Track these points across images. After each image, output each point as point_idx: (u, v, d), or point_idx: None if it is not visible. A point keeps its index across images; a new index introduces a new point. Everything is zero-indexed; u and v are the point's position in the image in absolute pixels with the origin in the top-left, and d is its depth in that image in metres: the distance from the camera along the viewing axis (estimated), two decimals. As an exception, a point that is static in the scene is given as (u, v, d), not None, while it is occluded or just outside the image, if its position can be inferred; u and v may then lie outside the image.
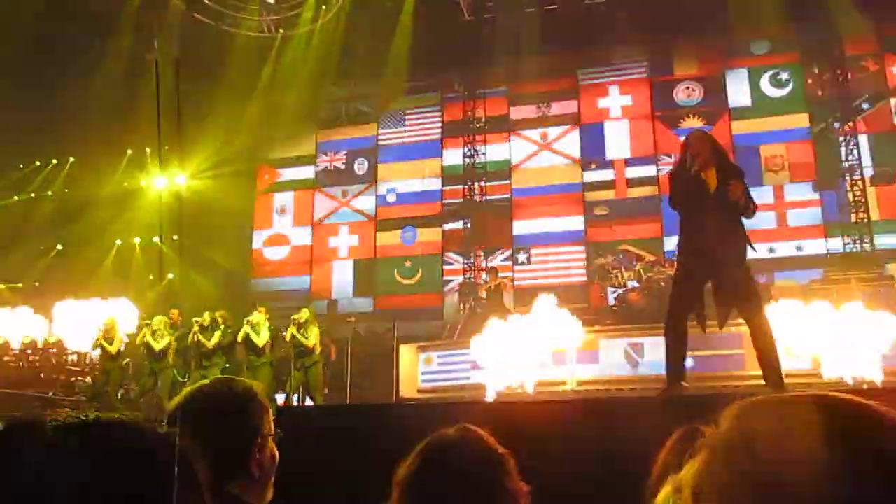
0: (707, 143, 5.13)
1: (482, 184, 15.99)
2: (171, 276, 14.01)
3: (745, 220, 5.03)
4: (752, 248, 5.07)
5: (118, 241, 16.13)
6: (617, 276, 12.90)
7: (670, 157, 15.01)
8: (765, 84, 15.33)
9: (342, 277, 17.07)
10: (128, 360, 12.04)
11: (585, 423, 3.79)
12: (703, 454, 0.72)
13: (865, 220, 13.37)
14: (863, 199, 13.35)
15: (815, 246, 14.15)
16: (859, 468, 0.61)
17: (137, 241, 16.49)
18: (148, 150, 15.19)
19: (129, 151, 15.88)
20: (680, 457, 1.81)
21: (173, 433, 1.07)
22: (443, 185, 16.81)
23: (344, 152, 17.80)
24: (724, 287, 5.01)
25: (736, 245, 4.98)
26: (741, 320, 5.25)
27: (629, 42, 14.93)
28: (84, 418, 1.05)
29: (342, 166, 17.79)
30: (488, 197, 16.06)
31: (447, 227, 16.41)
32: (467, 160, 15.95)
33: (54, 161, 16.27)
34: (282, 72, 16.13)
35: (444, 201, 16.67)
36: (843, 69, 14.12)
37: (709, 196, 4.93)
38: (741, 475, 0.64)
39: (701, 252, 4.96)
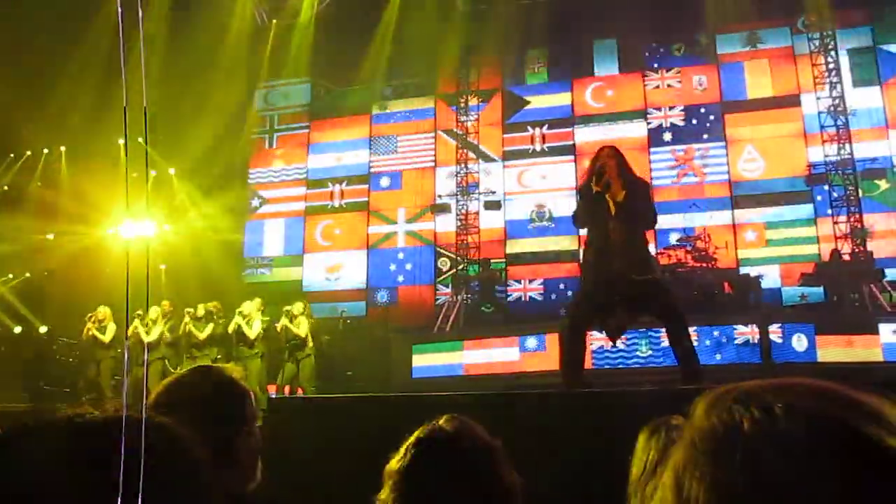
0: (614, 157, 5.23)
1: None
2: (163, 266, 13.93)
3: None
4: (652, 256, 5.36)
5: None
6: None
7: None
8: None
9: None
10: (119, 349, 12.02)
11: (577, 414, 3.81)
12: (683, 449, 0.71)
13: None
14: None
15: None
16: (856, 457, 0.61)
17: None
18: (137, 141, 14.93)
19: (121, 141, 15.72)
20: (664, 452, 1.82)
21: (165, 422, 1.07)
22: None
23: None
24: (630, 297, 5.15)
25: (638, 255, 5.16)
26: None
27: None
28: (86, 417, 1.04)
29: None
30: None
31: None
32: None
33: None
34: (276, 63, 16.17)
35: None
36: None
37: (611, 210, 5.05)
38: (731, 469, 0.64)
39: (604, 265, 5.09)
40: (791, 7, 14.31)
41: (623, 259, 5.00)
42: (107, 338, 11.21)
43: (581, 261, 5.57)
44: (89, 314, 11.48)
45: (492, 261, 15.00)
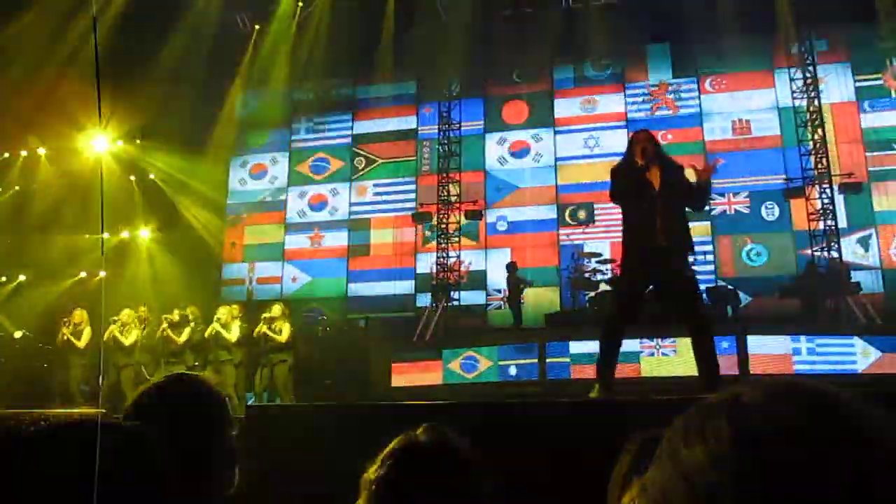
0: (652, 140, 5.21)
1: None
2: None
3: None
4: (692, 247, 5.18)
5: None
6: (590, 279, 13.00)
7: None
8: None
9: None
10: (94, 355, 11.83)
11: (556, 424, 3.80)
12: (664, 463, 0.70)
13: None
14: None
15: None
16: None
17: (106, 235, 16.25)
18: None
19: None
20: (641, 464, 1.82)
21: (139, 428, 1.05)
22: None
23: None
24: (671, 288, 5.10)
25: (682, 244, 5.08)
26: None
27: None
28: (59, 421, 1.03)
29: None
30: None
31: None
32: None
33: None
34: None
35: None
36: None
37: (653, 194, 4.99)
38: (713, 482, 0.63)
39: (646, 253, 5.00)
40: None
41: (667, 242, 4.92)
42: (82, 343, 11.03)
43: (623, 241, 5.32)
44: (64, 318, 11.28)
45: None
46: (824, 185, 13.69)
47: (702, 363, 4.95)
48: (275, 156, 17.63)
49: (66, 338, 11.03)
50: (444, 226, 15.41)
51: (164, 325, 11.07)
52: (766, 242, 14.45)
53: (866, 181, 14.05)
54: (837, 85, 14.83)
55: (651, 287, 5.21)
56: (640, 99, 15.87)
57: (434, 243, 15.42)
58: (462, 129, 16.18)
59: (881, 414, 0.65)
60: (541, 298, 14.74)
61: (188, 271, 15.61)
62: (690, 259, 5.24)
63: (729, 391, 0.70)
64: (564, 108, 16.16)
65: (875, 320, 12.04)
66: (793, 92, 14.46)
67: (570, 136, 16.00)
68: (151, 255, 16.03)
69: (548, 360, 11.28)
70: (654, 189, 4.99)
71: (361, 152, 17.15)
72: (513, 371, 11.56)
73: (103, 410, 10.29)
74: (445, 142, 15.91)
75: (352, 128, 17.35)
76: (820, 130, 13.95)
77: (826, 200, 13.63)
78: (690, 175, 5.18)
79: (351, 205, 16.93)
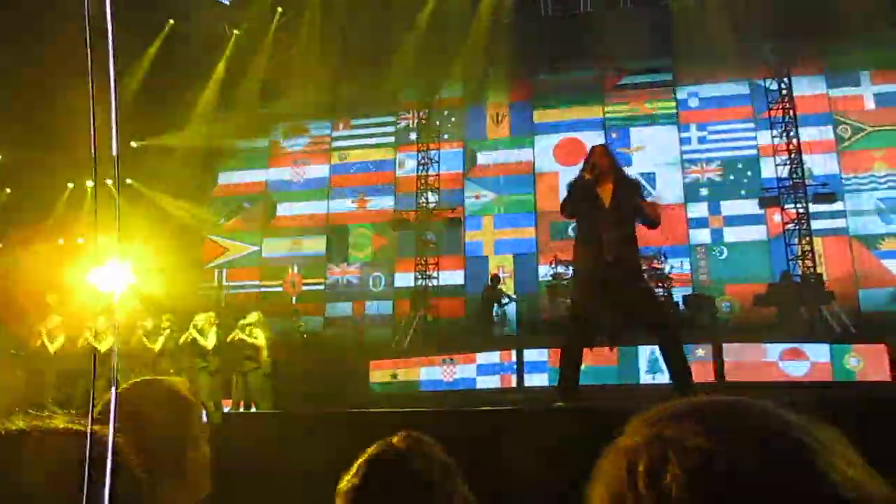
0: (607, 155, 5.24)
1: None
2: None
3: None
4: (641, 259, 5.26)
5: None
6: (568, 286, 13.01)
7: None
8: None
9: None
10: (70, 361, 11.66)
11: (530, 431, 3.80)
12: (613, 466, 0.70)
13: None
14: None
15: None
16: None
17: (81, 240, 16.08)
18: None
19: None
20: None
21: (106, 434, 1.03)
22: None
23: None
24: (624, 305, 5.13)
25: (632, 261, 5.12)
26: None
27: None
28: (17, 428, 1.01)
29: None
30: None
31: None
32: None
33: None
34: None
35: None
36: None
37: (604, 210, 5.02)
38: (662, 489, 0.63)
39: (597, 271, 5.01)
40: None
41: (615, 257, 4.92)
42: (54, 348, 10.88)
43: (574, 258, 5.38)
44: (41, 323, 11.15)
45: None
46: (799, 195, 13.88)
47: (673, 373, 4.96)
48: (256, 161, 17.58)
49: (40, 342, 10.89)
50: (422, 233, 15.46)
51: (140, 332, 10.95)
52: (742, 251, 14.60)
53: (840, 191, 14.25)
54: (812, 95, 15.05)
55: (608, 305, 5.20)
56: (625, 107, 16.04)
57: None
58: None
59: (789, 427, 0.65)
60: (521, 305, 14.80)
61: (167, 278, 15.47)
62: (666, 267, 5.29)
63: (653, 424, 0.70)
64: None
65: (849, 329, 12.20)
66: (768, 103, 14.65)
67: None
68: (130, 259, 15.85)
69: (526, 368, 11.31)
70: (605, 204, 5.04)
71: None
72: (490, 379, 11.57)
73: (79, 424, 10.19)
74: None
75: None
76: (795, 141, 14.14)
77: (801, 210, 13.81)
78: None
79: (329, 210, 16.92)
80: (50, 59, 12.25)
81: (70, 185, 15.70)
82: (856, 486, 0.60)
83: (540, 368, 11.24)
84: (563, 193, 5.35)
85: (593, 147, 5.42)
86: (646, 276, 5.36)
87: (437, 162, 15.99)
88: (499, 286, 13.75)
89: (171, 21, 14.97)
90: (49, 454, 0.98)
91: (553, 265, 13.51)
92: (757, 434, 0.63)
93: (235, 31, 15.97)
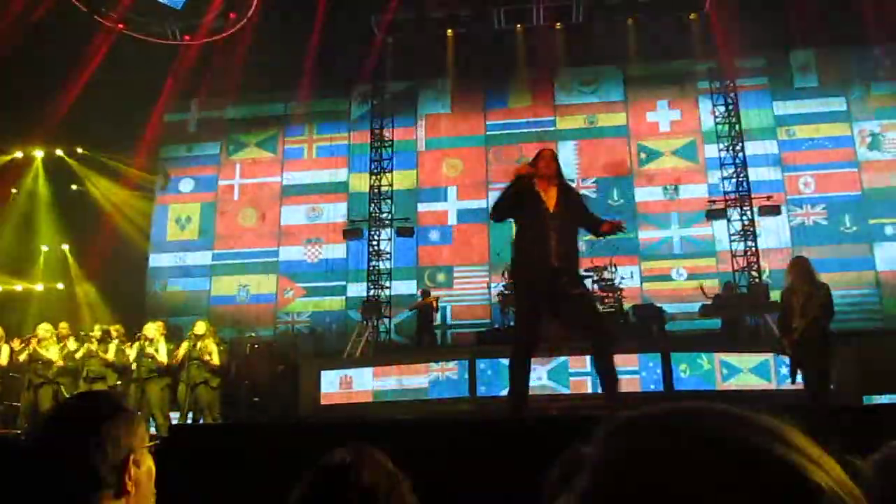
0: (555, 161, 5.22)
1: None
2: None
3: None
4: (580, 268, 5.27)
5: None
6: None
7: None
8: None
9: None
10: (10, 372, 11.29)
11: (481, 442, 3.81)
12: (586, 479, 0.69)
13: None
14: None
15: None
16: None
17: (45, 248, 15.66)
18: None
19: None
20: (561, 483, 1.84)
21: (42, 447, 1.02)
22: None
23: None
24: (565, 308, 5.04)
25: (572, 265, 5.08)
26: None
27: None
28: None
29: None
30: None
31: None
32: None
33: None
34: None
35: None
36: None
37: (548, 215, 4.99)
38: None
39: (537, 273, 4.96)
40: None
41: (559, 263, 4.89)
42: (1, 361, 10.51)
43: (514, 258, 5.31)
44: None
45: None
46: (745, 208, 14.22)
47: (602, 380, 4.98)
48: (203, 169, 17.33)
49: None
50: (374, 243, 15.40)
51: (88, 343, 10.64)
52: (689, 263, 14.90)
53: (784, 203, 14.65)
54: (757, 110, 15.48)
55: (549, 308, 5.12)
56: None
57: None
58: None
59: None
60: (472, 316, 14.86)
61: (111, 285, 15.15)
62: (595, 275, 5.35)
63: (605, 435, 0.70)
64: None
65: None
66: (715, 117, 15.01)
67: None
68: (73, 268, 15.51)
69: (478, 378, 11.31)
70: (549, 208, 5.02)
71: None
72: (443, 388, 11.54)
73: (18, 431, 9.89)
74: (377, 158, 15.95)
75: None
76: (741, 154, 14.49)
77: (746, 222, 14.16)
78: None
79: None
80: None
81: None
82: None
83: (492, 379, 11.25)
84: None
85: (542, 150, 5.40)
86: (588, 282, 5.34)
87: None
88: (428, 298, 13.96)
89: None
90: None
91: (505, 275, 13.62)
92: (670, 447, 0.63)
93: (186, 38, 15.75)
